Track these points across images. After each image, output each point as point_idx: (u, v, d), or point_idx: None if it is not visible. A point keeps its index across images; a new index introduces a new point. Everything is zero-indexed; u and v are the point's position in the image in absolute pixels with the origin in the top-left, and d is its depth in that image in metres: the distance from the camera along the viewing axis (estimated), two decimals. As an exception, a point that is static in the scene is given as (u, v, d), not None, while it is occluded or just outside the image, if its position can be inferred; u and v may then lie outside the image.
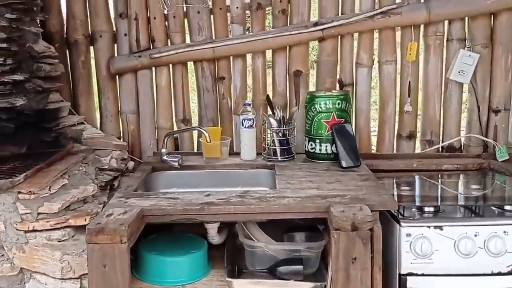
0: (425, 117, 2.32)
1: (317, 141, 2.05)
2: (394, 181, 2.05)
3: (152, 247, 1.76)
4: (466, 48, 2.21)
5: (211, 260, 1.83)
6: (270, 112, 2.19)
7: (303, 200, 1.60)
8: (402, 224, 1.59)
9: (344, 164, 1.96)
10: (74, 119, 2.21)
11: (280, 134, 2.09)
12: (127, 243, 1.41)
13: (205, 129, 1.99)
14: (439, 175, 2.10)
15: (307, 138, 2.10)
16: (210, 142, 1.93)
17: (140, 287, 1.69)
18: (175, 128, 2.38)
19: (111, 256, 1.41)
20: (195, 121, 2.43)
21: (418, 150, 2.38)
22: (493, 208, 1.70)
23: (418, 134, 2.37)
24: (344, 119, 2.04)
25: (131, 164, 2.23)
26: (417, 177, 2.10)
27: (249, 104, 2.09)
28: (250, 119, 2.07)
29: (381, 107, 2.33)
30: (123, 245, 1.41)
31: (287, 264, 1.72)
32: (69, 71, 2.33)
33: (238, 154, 2.16)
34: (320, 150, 2.05)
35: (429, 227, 1.58)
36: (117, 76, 2.34)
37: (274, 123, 2.08)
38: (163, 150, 2.04)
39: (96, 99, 2.40)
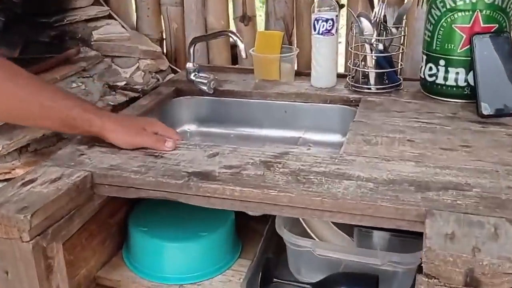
0: None
1: (442, 62, 1.16)
2: None
3: (148, 220, 1.14)
4: None
5: (246, 239, 1.17)
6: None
7: (376, 191, 0.80)
8: None
9: (485, 110, 1.07)
10: (92, 12, 1.59)
11: (378, 47, 1.24)
12: (32, 241, 0.80)
13: (237, 34, 1.20)
14: None
15: (425, 57, 1.22)
16: (246, 57, 1.17)
17: (118, 280, 1.10)
18: (232, 29, 1.64)
19: (12, 258, 0.82)
20: (261, 20, 1.66)
21: None
22: None
23: None
24: (497, 26, 1.11)
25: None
26: None
27: (329, -5, 1.25)
28: (328, 20, 1.24)
29: None
30: (24, 245, 0.80)
31: (350, 281, 0.99)
32: None
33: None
34: (446, 79, 1.17)
35: None
36: None
37: (367, 27, 1.22)
38: (190, 65, 1.33)
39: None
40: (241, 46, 1.15)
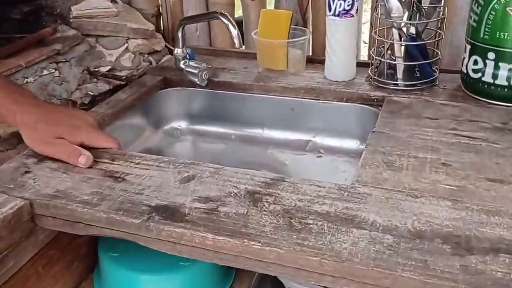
0: None
1: (491, 56, 0.91)
2: None
3: (121, 242, 0.93)
4: None
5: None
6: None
7: (396, 252, 0.58)
8: None
9: (547, 122, 0.83)
10: (75, -17, 1.37)
11: (409, 32, 0.99)
12: None
13: (229, 18, 0.95)
14: None
15: (469, 47, 0.96)
16: (241, 46, 0.93)
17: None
18: (238, 5, 1.39)
19: None
20: (272, -6, 1.41)
21: None
22: None
23: None
24: None
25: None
26: None
27: (348, -35, 0.99)
28: (346, -2, 0.99)
29: None
30: None
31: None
32: None
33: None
34: (495, 77, 0.91)
35: None
36: None
37: (396, 6, 0.96)
38: (178, 51, 1.10)
39: None
40: (233, 32, 0.91)
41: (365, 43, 1.54)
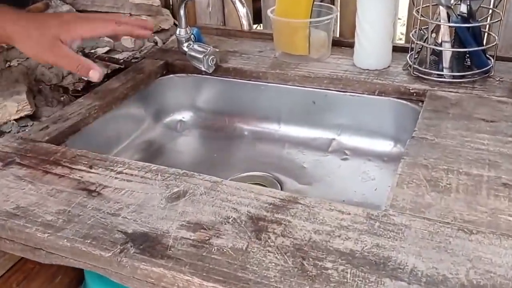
0: None
1: None
2: None
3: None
4: None
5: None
6: None
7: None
8: None
9: None
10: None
11: (460, 10, 0.80)
12: None
13: None
14: None
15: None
16: (251, 29, 0.77)
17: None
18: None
19: None
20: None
21: None
22: None
23: None
24: None
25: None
26: None
27: None
28: (383, -32, 0.81)
29: None
30: None
31: None
32: None
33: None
34: None
35: None
36: None
37: (445, -19, 0.78)
38: (181, 32, 0.94)
39: None
40: (241, 11, 0.74)
41: (399, 19, 1.36)
